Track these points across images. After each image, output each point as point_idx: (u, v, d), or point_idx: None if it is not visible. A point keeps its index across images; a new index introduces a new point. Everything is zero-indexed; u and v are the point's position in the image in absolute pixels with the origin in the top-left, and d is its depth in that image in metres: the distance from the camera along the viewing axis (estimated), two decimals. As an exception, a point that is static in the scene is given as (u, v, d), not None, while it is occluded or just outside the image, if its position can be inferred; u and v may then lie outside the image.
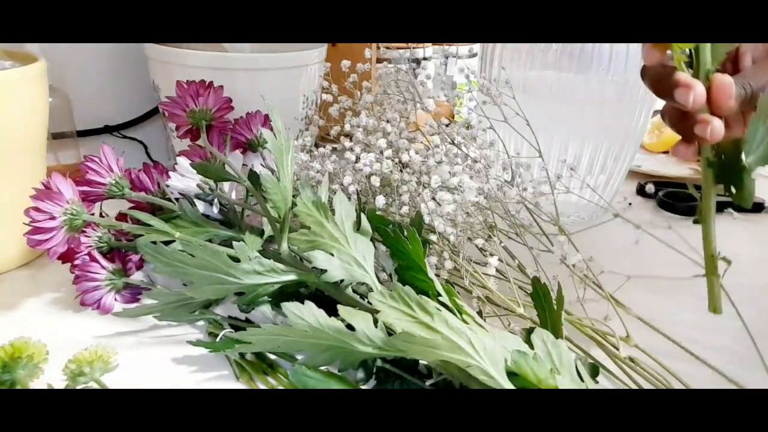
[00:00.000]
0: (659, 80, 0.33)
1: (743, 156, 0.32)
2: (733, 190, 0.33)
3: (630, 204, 0.62)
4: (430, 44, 0.89)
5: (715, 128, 0.31)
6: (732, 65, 0.35)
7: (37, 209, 0.35)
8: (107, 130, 0.66)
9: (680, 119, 0.33)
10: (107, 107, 0.66)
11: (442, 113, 0.90)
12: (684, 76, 0.31)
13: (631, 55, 0.51)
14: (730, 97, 0.31)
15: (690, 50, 0.32)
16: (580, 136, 0.56)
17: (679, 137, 0.35)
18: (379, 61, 0.83)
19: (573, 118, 0.55)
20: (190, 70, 0.56)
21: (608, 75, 0.52)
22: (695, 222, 0.35)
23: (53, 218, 0.36)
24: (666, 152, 0.83)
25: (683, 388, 0.35)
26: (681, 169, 0.76)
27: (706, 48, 0.32)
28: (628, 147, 0.58)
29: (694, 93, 0.31)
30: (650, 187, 0.62)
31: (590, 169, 0.58)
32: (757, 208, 0.62)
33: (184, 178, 0.44)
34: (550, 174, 0.44)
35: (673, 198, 0.63)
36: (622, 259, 0.41)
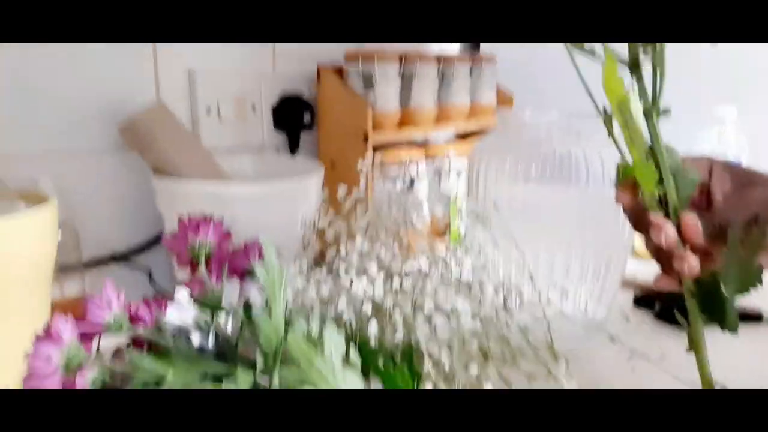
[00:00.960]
0: (636, 218, 0.36)
1: (722, 287, 0.33)
2: (718, 320, 0.34)
3: (627, 317, 0.62)
4: (423, 161, 0.94)
5: (691, 264, 0.33)
6: (706, 200, 0.38)
7: (35, 354, 0.36)
8: (113, 259, 0.68)
9: (660, 253, 0.36)
10: (114, 235, 0.69)
11: (435, 231, 0.93)
12: (655, 216, 0.34)
13: (607, 176, 0.54)
14: (698, 233, 0.33)
15: (658, 194, 0.34)
16: (566, 249, 0.57)
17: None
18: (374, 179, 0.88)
19: (558, 232, 0.57)
20: (194, 200, 0.59)
21: (587, 193, 0.55)
22: (688, 351, 0.35)
23: (51, 361, 0.36)
24: (661, 258, 0.84)
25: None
26: (677, 275, 0.77)
27: (671, 188, 0.34)
28: (617, 258, 0.59)
29: (665, 232, 0.33)
30: (659, 304, 0.62)
31: (581, 282, 0.59)
32: (756, 318, 0.62)
33: (182, 312, 0.45)
34: (540, 289, 0.45)
35: (672, 310, 0.63)
36: (619, 377, 0.41)
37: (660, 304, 0.65)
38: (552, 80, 1.19)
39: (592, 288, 0.58)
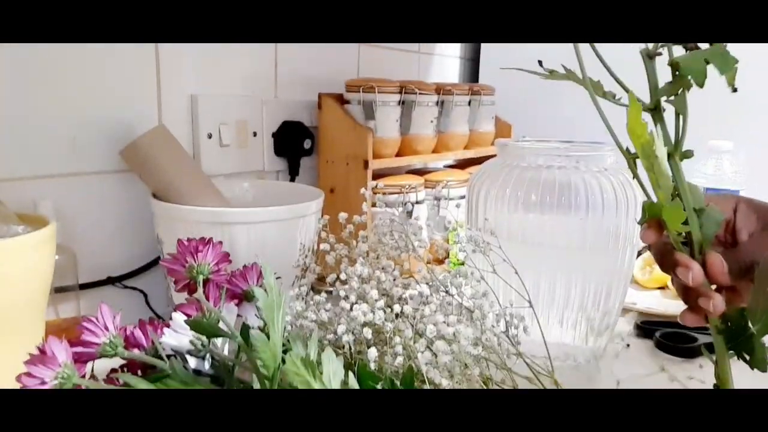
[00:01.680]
0: (663, 256, 0.36)
1: (750, 324, 0.34)
2: (746, 356, 0.34)
3: (628, 345, 0.62)
4: (423, 188, 0.94)
5: (717, 303, 0.34)
6: (731, 237, 0.38)
7: (29, 375, 0.35)
8: (109, 281, 0.68)
9: (686, 290, 0.36)
10: (111, 259, 0.69)
11: (435, 258, 0.93)
12: (682, 256, 0.35)
13: (606, 204, 0.54)
14: (723, 272, 0.34)
15: (683, 233, 0.35)
16: (566, 279, 0.57)
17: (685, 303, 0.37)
18: (374, 205, 0.88)
19: (558, 261, 0.57)
20: (193, 225, 0.59)
21: (587, 221, 0.55)
22: (714, 387, 0.35)
23: (44, 383, 0.36)
24: (660, 288, 0.84)
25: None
26: (678, 307, 0.76)
27: (696, 227, 0.34)
28: (617, 287, 0.59)
29: (692, 272, 0.34)
30: (660, 333, 0.61)
31: (582, 311, 0.58)
32: None
33: (178, 334, 0.44)
34: (540, 316, 0.45)
35: (672, 339, 0.63)
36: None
37: (660, 333, 0.64)
38: (550, 111, 1.21)
39: (593, 316, 0.58)
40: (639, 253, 0.82)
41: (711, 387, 0.36)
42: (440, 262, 0.97)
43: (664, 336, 0.64)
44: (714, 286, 0.36)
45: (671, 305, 0.76)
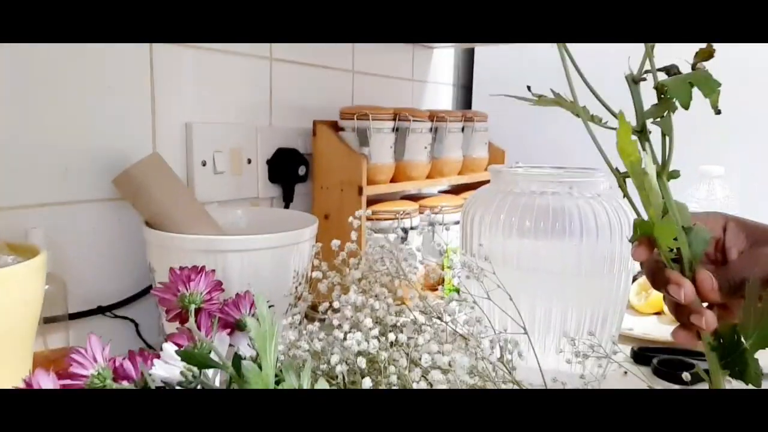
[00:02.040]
0: (654, 274, 0.36)
1: (743, 340, 0.34)
2: (740, 372, 0.35)
3: (625, 373, 0.61)
4: (417, 213, 0.94)
5: (708, 319, 0.34)
6: (722, 256, 0.39)
7: (13, 409, 0.34)
8: (100, 310, 0.67)
9: (678, 308, 0.36)
10: (102, 288, 0.68)
11: (428, 285, 0.92)
12: (674, 274, 0.35)
13: (600, 230, 0.54)
14: (713, 289, 0.35)
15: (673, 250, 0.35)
16: (562, 304, 0.57)
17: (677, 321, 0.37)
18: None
19: (553, 286, 0.57)
20: (186, 253, 0.58)
21: (581, 247, 0.55)
22: None
23: (28, 418, 0.35)
24: (656, 314, 0.84)
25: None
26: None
27: (685, 245, 0.35)
28: (613, 313, 0.59)
29: (684, 289, 0.34)
30: (657, 360, 0.61)
31: (578, 337, 0.58)
32: None
33: (168, 365, 0.44)
34: (536, 343, 0.45)
35: (669, 366, 0.62)
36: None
37: (658, 360, 0.64)
38: (542, 136, 1.22)
39: (589, 342, 0.57)
40: (634, 279, 0.82)
41: None
42: (434, 288, 0.96)
43: (662, 363, 0.63)
44: (705, 304, 0.36)
45: (668, 330, 0.76)
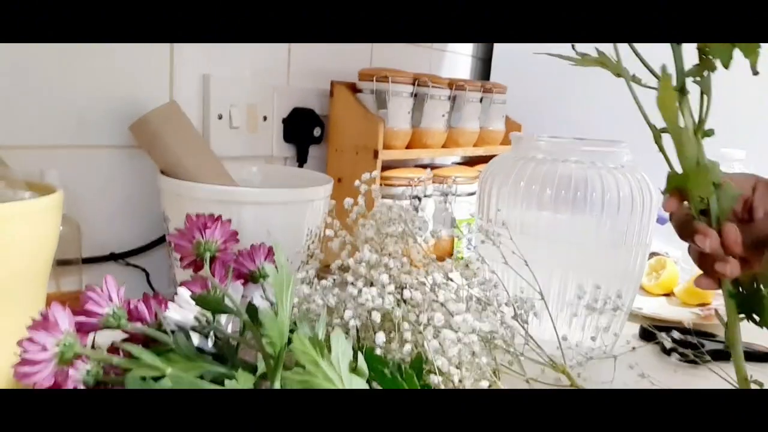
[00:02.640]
0: (682, 225, 0.39)
1: (762, 288, 0.37)
2: (756, 317, 0.37)
3: (633, 348, 0.61)
4: (430, 182, 0.93)
5: (733, 266, 0.37)
6: (748, 215, 0.41)
7: (30, 340, 0.35)
8: (112, 257, 0.67)
9: (702, 257, 0.39)
10: (115, 235, 0.68)
11: (440, 250, 0.92)
12: (701, 225, 0.38)
13: (622, 202, 0.53)
14: (736, 242, 0.37)
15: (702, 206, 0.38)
16: (578, 276, 0.56)
17: (701, 271, 0.40)
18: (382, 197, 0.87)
19: (570, 258, 0.56)
20: (200, 203, 0.58)
21: (602, 219, 0.54)
22: (725, 348, 0.38)
23: (45, 350, 0.35)
24: (666, 294, 0.83)
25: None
26: (683, 312, 0.76)
27: (714, 199, 0.37)
28: (627, 288, 0.58)
29: (710, 239, 0.37)
30: (666, 340, 0.61)
31: (591, 310, 0.58)
32: (765, 357, 0.61)
33: (182, 310, 0.44)
34: (552, 312, 0.44)
35: (677, 344, 0.62)
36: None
37: (665, 338, 0.63)
38: (560, 111, 1.20)
39: (602, 315, 0.57)
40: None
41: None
42: (443, 259, 0.96)
43: (670, 341, 0.63)
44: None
45: (677, 311, 0.76)
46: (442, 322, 0.42)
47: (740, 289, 0.38)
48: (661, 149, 0.37)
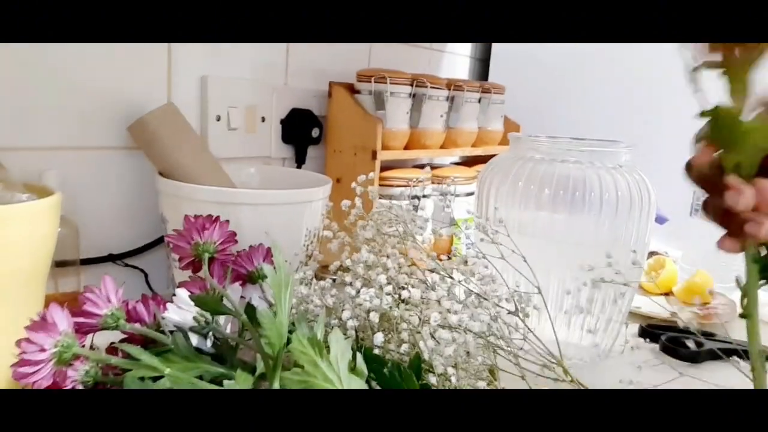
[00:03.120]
0: (706, 178, 0.36)
1: None
2: None
3: (632, 348, 0.61)
4: (429, 182, 0.93)
5: (766, 228, 0.34)
6: None
7: (29, 341, 0.34)
8: (111, 258, 0.67)
9: (726, 215, 0.36)
10: (113, 236, 0.68)
11: (439, 249, 0.92)
12: (735, 179, 0.34)
13: (621, 202, 0.53)
14: None
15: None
16: (577, 276, 0.56)
17: (724, 232, 0.37)
18: (381, 196, 0.87)
19: (569, 258, 0.56)
20: (199, 204, 0.58)
21: (600, 219, 0.54)
22: (741, 316, 0.36)
23: (43, 350, 0.35)
24: (665, 294, 0.83)
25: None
26: (682, 311, 0.76)
27: (746, 150, 0.34)
28: (625, 288, 0.58)
29: (744, 196, 0.33)
30: (666, 337, 0.61)
31: (590, 309, 0.58)
32: (765, 357, 0.61)
33: (181, 311, 0.44)
34: (550, 312, 0.44)
35: (676, 343, 0.62)
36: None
37: (666, 337, 0.63)
38: (558, 112, 1.21)
39: (601, 315, 0.57)
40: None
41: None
42: (442, 259, 0.96)
43: (670, 340, 0.63)
44: None
45: (676, 310, 0.76)
46: (439, 321, 0.42)
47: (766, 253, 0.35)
48: (699, 89, 0.33)
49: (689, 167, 0.37)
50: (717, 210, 0.36)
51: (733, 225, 0.35)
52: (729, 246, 0.36)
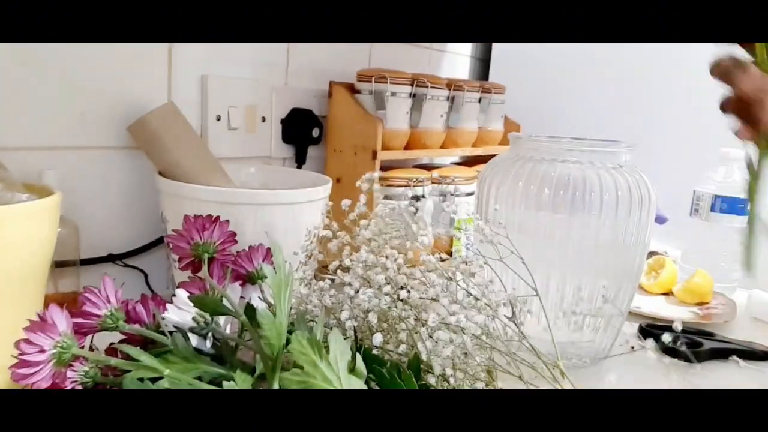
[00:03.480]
0: (731, 71, 0.40)
1: None
2: None
3: (633, 348, 0.61)
4: (429, 183, 0.93)
5: None
6: None
7: (28, 341, 0.34)
8: (110, 258, 0.67)
9: (744, 106, 0.40)
10: (113, 236, 0.68)
11: (439, 249, 0.92)
12: (756, 70, 0.39)
13: (621, 202, 0.53)
14: None
15: None
16: (577, 276, 0.56)
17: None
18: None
19: (569, 258, 0.56)
20: (199, 204, 0.58)
21: (600, 219, 0.54)
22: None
23: (42, 351, 0.35)
24: (665, 294, 0.83)
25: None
26: (682, 311, 0.76)
27: None
28: (626, 288, 0.58)
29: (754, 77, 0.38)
30: (666, 337, 0.60)
31: (590, 310, 0.58)
32: (765, 356, 0.61)
33: (181, 311, 0.44)
34: (548, 314, 0.44)
35: (676, 343, 0.62)
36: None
37: (665, 336, 0.63)
38: (559, 112, 1.20)
39: (600, 315, 0.57)
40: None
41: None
42: (442, 259, 0.96)
43: (670, 340, 0.63)
44: None
45: (675, 310, 0.76)
46: (437, 322, 0.42)
47: None
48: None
49: (715, 65, 0.41)
50: (737, 105, 0.41)
51: (748, 115, 0.40)
52: (746, 134, 0.41)
